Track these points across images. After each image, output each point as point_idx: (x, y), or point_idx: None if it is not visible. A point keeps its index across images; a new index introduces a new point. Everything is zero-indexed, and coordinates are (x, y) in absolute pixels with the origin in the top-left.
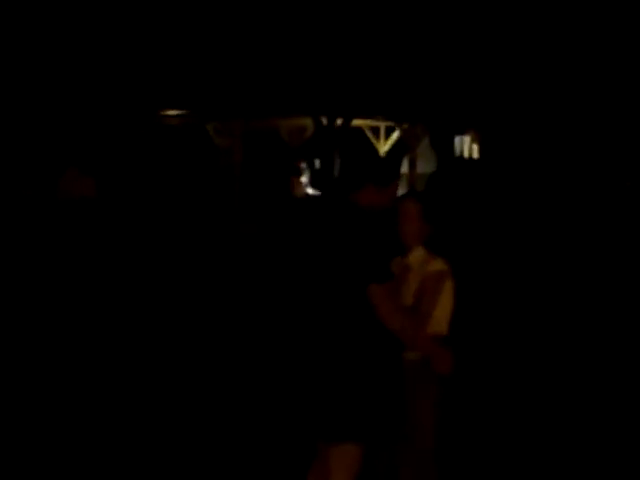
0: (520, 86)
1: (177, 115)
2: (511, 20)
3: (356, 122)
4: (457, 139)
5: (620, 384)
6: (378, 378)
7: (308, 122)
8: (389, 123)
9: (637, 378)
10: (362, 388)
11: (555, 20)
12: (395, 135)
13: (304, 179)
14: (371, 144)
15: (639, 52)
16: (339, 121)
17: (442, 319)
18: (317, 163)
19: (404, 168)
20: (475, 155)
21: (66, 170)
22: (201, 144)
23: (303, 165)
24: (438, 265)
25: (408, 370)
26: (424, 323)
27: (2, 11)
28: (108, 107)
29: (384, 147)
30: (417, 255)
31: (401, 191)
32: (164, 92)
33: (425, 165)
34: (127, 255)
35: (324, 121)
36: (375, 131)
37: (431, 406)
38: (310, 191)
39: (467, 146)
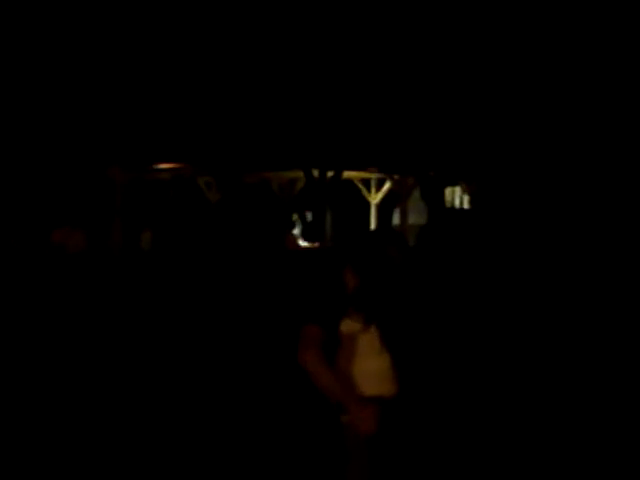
0: (510, 135)
1: (168, 169)
2: (498, 75)
3: (347, 174)
4: (448, 190)
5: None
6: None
7: (299, 175)
8: (380, 175)
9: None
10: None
11: (539, 75)
12: (386, 187)
13: (296, 232)
14: (362, 196)
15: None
16: (330, 174)
17: (363, 380)
18: (308, 216)
19: (395, 219)
20: (466, 205)
21: (58, 226)
22: (192, 198)
23: (295, 218)
24: (348, 326)
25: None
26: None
27: None
28: (99, 161)
29: (375, 199)
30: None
31: None
32: (155, 146)
33: (416, 216)
34: (129, 303)
35: (315, 174)
36: (366, 183)
37: (360, 469)
38: (303, 244)
39: (458, 197)
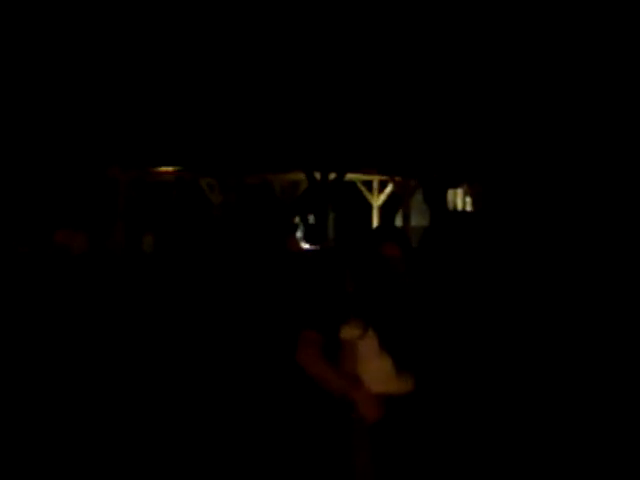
0: (512, 137)
1: (170, 171)
2: (500, 77)
3: (349, 176)
4: (450, 192)
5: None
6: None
7: (301, 177)
8: (382, 177)
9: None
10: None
11: (541, 75)
12: (388, 189)
13: (299, 234)
14: (364, 198)
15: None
16: (332, 176)
17: (367, 380)
18: (311, 218)
19: (398, 221)
20: (468, 208)
21: (60, 228)
22: (194, 199)
23: (297, 220)
24: (347, 332)
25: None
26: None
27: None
28: (101, 163)
29: (378, 201)
30: None
31: None
32: (157, 148)
33: (419, 218)
34: (132, 305)
35: (317, 176)
36: (368, 185)
37: (367, 461)
38: (305, 246)
39: (460, 199)
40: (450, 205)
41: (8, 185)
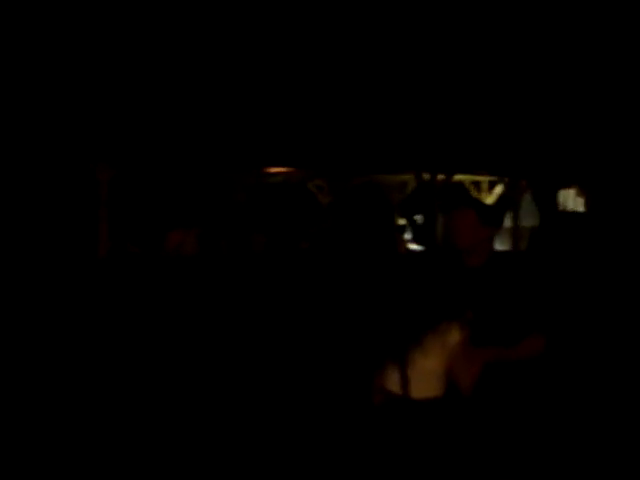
0: (628, 137)
1: (279, 173)
2: (613, 76)
3: (458, 177)
4: (561, 192)
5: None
6: None
7: (409, 178)
8: (492, 177)
9: None
10: None
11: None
12: (498, 189)
13: (407, 235)
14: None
15: None
16: (441, 177)
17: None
18: (419, 219)
19: (507, 222)
20: (580, 208)
21: (173, 229)
22: (304, 202)
23: (404, 221)
24: None
25: None
26: None
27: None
28: (212, 165)
29: (487, 201)
30: None
31: (505, 246)
32: (266, 150)
33: (529, 219)
34: (239, 310)
35: (426, 177)
36: (477, 185)
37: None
38: (413, 247)
39: (572, 199)
40: (562, 206)
41: (123, 186)
